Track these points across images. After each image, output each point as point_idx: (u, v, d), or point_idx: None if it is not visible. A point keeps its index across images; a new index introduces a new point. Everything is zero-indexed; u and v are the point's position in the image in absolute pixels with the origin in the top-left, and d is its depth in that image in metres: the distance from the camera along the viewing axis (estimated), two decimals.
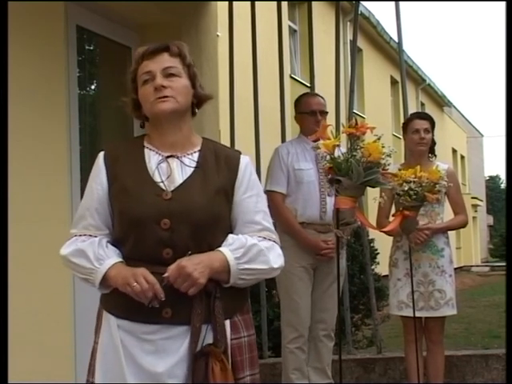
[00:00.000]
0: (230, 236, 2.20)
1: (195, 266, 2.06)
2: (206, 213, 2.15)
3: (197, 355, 2.08)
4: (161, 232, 2.12)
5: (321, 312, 4.49)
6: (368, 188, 3.52)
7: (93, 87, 5.14)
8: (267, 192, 4.58)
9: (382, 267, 7.02)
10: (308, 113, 4.50)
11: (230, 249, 2.15)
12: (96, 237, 2.20)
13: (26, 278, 3.57)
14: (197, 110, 2.32)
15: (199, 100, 2.30)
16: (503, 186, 56.34)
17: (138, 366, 2.11)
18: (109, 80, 4.95)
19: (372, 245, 7.47)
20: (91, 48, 5.02)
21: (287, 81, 11.13)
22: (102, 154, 2.27)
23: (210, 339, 2.11)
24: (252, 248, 2.17)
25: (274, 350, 6.24)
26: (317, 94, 4.76)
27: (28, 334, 3.56)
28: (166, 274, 2.06)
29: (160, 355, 2.11)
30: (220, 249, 2.15)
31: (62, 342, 3.87)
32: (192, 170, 2.22)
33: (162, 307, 2.09)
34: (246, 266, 2.15)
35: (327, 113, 4.65)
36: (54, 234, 3.69)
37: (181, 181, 2.19)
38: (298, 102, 4.71)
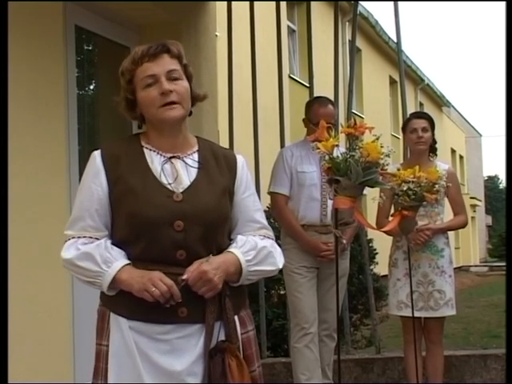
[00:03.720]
0: (240, 237, 2.24)
1: (215, 271, 2.09)
2: (217, 213, 2.18)
3: (212, 352, 2.11)
4: (174, 234, 2.12)
5: (322, 312, 4.48)
6: (367, 188, 3.51)
7: (91, 87, 5.14)
8: (270, 193, 4.59)
9: (380, 267, 7.02)
10: (314, 124, 4.40)
11: (242, 251, 2.19)
12: (97, 239, 2.17)
13: (26, 277, 3.57)
14: (192, 109, 2.29)
15: (195, 99, 2.28)
16: (502, 186, 56.47)
17: (154, 366, 2.11)
18: (107, 80, 4.94)
19: (371, 245, 7.46)
20: (90, 48, 5.01)
21: (286, 80, 11.13)
22: (98, 154, 2.22)
23: (222, 336, 2.15)
24: (262, 250, 2.23)
25: (272, 350, 6.24)
26: (328, 102, 4.57)
27: (27, 333, 3.56)
28: (184, 277, 2.07)
29: (176, 354, 2.12)
30: (232, 251, 2.19)
31: (61, 342, 3.87)
32: (196, 170, 2.22)
33: (178, 307, 2.10)
34: (256, 268, 2.21)
35: (334, 124, 4.48)
36: (52, 234, 3.68)
37: (188, 182, 2.20)
38: (308, 107, 4.64)
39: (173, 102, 2.16)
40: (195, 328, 2.13)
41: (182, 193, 2.17)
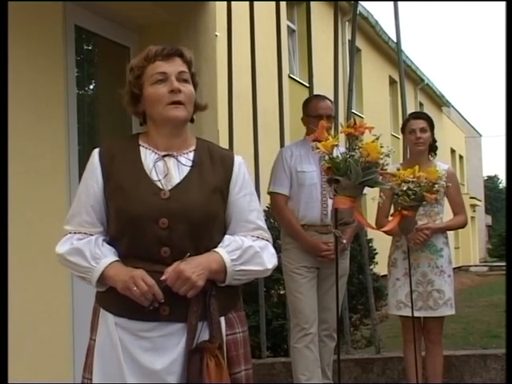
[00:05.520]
0: (227, 237, 2.24)
1: (193, 269, 2.09)
2: (204, 211, 2.18)
3: (192, 351, 2.11)
4: (159, 231, 2.14)
5: (322, 312, 4.48)
6: (367, 188, 3.52)
7: (91, 87, 5.13)
8: (270, 193, 4.59)
9: (380, 267, 7.02)
10: (314, 117, 4.43)
11: (227, 250, 2.19)
12: (92, 235, 2.22)
13: (25, 277, 3.57)
14: (194, 117, 2.33)
15: (196, 108, 2.33)
16: (501, 185, 56.49)
17: (136, 363, 2.14)
18: (107, 80, 4.94)
19: (370, 245, 7.46)
20: (89, 48, 5.01)
21: (286, 81, 11.14)
22: (96, 152, 2.28)
23: (206, 336, 2.15)
24: (248, 250, 2.21)
25: (272, 349, 6.24)
26: (325, 98, 4.66)
27: (27, 333, 3.56)
28: (163, 277, 2.08)
29: (157, 352, 2.13)
30: (217, 250, 2.19)
31: (61, 342, 3.87)
32: (188, 169, 2.24)
33: (160, 305, 2.12)
34: (242, 268, 2.20)
35: (334, 117, 4.60)
36: (52, 234, 3.67)
37: (178, 180, 2.21)
38: (305, 105, 4.66)
39: (179, 102, 2.20)
40: (177, 327, 2.14)
41: (169, 190, 2.19)
